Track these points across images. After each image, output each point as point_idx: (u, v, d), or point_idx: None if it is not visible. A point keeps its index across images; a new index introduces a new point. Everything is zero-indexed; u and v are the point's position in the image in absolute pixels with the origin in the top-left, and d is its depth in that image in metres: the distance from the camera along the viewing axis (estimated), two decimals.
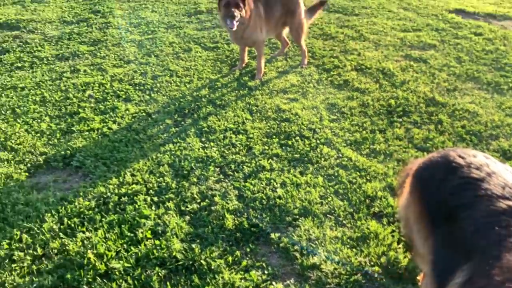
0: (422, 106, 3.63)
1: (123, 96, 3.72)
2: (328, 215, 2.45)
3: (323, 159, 2.94)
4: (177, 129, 3.28)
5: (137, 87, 3.88)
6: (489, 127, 3.34)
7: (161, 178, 2.71)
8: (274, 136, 3.20)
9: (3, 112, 3.44)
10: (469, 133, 3.26)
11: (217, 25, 5.38)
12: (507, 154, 3.04)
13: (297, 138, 3.18)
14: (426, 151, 3.05)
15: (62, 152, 2.95)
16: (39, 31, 5.10)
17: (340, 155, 3.00)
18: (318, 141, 3.14)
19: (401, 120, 3.44)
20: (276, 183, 2.68)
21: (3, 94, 3.70)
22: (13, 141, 3.05)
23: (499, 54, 4.67)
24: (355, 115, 3.52)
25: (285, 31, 4.46)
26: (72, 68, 4.20)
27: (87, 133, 3.18)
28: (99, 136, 3.16)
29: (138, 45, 4.78)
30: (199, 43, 4.87)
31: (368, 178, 2.76)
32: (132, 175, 2.74)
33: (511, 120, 3.43)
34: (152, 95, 3.76)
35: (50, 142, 3.08)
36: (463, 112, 3.54)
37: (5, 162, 2.84)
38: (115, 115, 3.43)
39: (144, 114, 3.47)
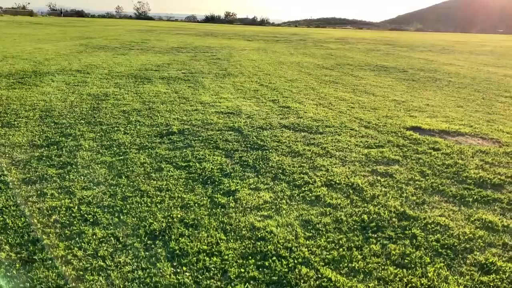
0: (394, 221, 3.66)
1: (91, 220, 3.57)
2: None
3: (302, 280, 2.82)
4: (147, 253, 3.12)
5: (105, 210, 3.76)
6: (462, 240, 3.37)
7: None
8: (250, 257, 3.08)
9: None
10: (444, 247, 3.26)
11: (188, 145, 5.51)
12: (484, 268, 3.02)
13: (274, 258, 3.07)
14: (405, 268, 2.99)
15: (21, 285, 2.70)
16: (7, 155, 5.04)
17: (319, 275, 2.89)
18: (295, 261, 3.04)
19: (376, 235, 3.43)
20: None
21: None
22: None
23: (458, 168, 4.92)
24: (330, 231, 3.49)
25: None
26: (39, 192, 4.07)
27: (50, 261, 2.97)
28: (63, 265, 2.94)
29: (109, 166, 4.77)
30: (171, 163, 4.91)
31: None
32: None
33: (482, 232, 3.49)
34: (121, 217, 3.64)
35: (8, 273, 2.83)
36: (435, 225, 3.59)
37: None
38: (81, 240, 3.25)
39: (112, 238, 3.31)
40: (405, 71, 13.95)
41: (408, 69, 14.53)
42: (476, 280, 2.89)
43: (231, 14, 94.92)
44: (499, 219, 3.73)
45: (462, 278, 2.91)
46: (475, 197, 4.17)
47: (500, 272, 2.97)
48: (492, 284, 2.84)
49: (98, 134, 5.89)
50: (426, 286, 2.81)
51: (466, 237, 3.41)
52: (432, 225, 3.58)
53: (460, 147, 5.66)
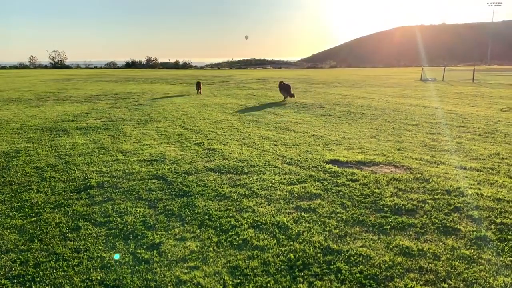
0: (320, 256, 3.73)
1: None
2: None
3: None
4: None
5: (15, 280, 3.42)
6: (383, 268, 3.51)
7: None
8: None
9: None
10: (367, 278, 3.37)
11: (108, 198, 5.26)
12: None
13: None
14: None
15: None
16: None
17: None
18: None
19: (302, 274, 3.46)
20: None
21: None
22: None
23: (375, 197, 5.20)
24: (258, 275, 3.46)
25: None
26: None
27: None
28: None
29: (20, 230, 4.39)
30: (89, 220, 4.64)
31: None
32: None
33: (400, 258, 3.67)
34: (33, 286, 3.33)
35: None
36: (358, 256, 3.71)
37: None
38: None
39: None
40: (322, 106, 14.71)
41: (324, 104, 15.33)
42: None
43: (152, 59, 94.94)
44: (415, 244, 3.95)
45: None
46: (392, 224, 4.40)
47: None
48: None
49: (8, 196, 5.44)
50: None
51: (386, 265, 3.56)
52: (355, 257, 3.70)
53: (375, 177, 6.00)
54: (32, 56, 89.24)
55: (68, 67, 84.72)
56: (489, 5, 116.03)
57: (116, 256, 3.81)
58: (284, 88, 17.23)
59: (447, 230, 4.28)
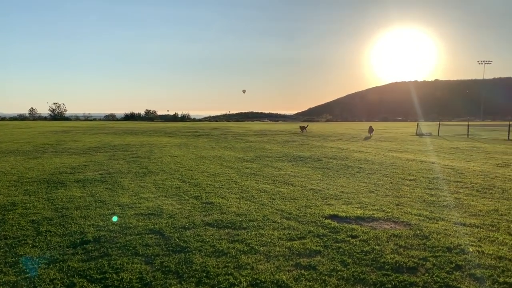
0: None
1: None
2: None
3: None
4: None
5: None
6: None
7: None
8: None
9: None
10: None
11: (104, 254, 5.16)
12: None
13: None
14: None
15: None
16: None
17: None
18: None
19: None
20: None
21: None
22: None
23: (376, 254, 5.13)
24: None
25: None
26: None
27: None
28: None
29: (12, 287, 4.28)
30: (85, 276, 4.54)
31: None
32: None
33: None
34: None
35: None
36: None
37: None
38: None
39: None
40: (320, 160, 14.81)
41: (322, 158, 15.45)
42: None
43: (151, 111, 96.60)
44: None
45: None
46: (393, 283, 4.32)
47: None
48: None
49: (2, 250, 5.33)
50: None
51: None
52: None
53: (375, 233, 5.95)
54: (32, 108, 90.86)
55: (67, 119, 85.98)
56: (479, 63, 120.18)
57: None
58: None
59: None
